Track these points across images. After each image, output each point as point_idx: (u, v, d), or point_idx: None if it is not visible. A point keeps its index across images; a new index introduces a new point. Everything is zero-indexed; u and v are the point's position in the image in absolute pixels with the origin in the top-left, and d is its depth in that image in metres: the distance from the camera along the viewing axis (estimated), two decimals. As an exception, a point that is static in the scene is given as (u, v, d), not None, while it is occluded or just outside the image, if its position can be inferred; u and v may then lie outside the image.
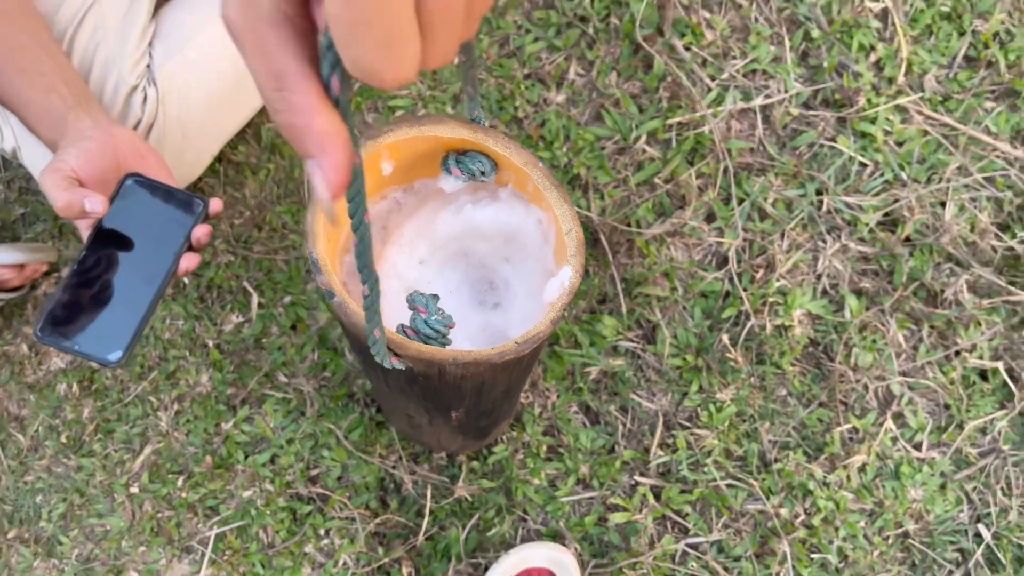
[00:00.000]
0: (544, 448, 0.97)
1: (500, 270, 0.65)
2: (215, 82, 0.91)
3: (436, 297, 0.55)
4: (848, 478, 0.96)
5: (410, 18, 0.25)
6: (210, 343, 0.99)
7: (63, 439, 0.98)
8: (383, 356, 0.50)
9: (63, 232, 1.03)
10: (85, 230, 0.72)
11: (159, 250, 0.72)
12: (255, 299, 1.00)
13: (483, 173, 0.58)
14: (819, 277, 1.01)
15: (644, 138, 1.03)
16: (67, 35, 0.85)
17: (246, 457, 0.97)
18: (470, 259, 0.66)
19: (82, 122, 0.73)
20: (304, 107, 0.27)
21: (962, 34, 1.07)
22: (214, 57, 0.91)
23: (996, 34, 1.07)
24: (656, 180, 1.02)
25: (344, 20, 0.24)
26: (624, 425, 0.98)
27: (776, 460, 0.96)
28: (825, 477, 0.96)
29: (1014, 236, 1.01)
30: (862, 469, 0.96)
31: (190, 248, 0.73)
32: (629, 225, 1.01)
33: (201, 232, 0.72)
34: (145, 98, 0.86)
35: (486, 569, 0.92)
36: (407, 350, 0.51)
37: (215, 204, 0.74)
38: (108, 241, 0.72)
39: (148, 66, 0.87)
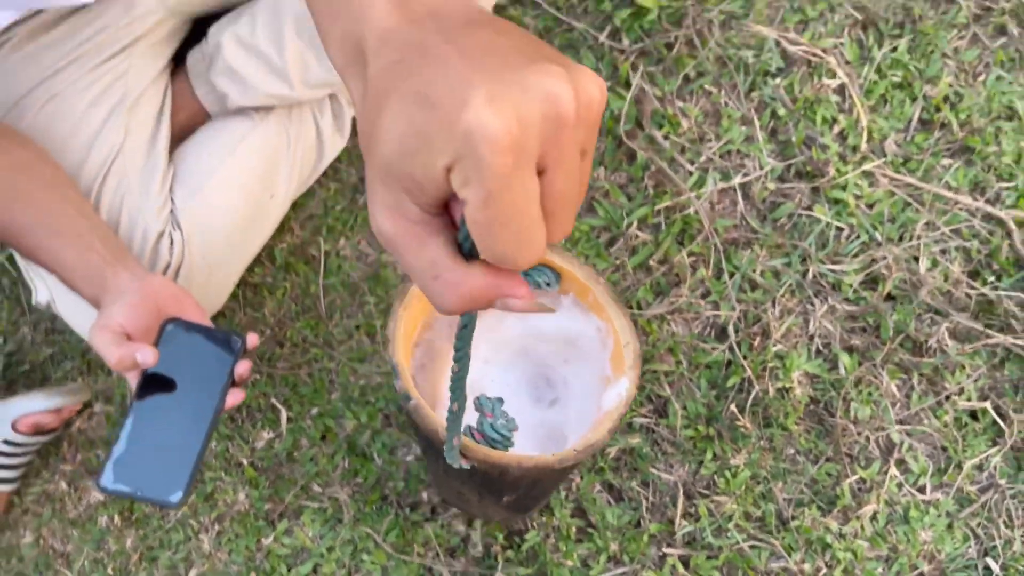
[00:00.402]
0: (574, 530, 1.01)
1: (559, 369, 0.71)
2: (234, 217, 0.96)
3: (501, 400, 0.60)
4: (862, 528, 1.02)
5: (539, 212, 0.29)
6: (244, 461, 1.03)
7: (109, 571, 1.01)
8: (454, 459, 0.55)
9: (91, 368, 1.07)
10: (133, 378, 0.76)
11: (205, 389, 0.77)
12: (283, 414, 1.04)
13: (548, 284, 0.65)
14: (812, 338, 1.07)
15: (635, 224, 1.10)
16: (93, 191, 0.90)
17: (289, 570, 1.00)
18: (530, 358, 0.72)
19: (120, 276, 0.78)
20: (462, 279, 0.31)
21: (914, 100, 1.16)
22: (231, 193, 0.96)
23: (946, 97, 1.16)
24: (651, 263, 1.09)
25: (483, 223, 0.28)
26: (647, 499, 1.03)
27: (793, 517, 1.02)
28: (840, 529, 1.01)
29: (985, 283, 1.09)
30: (873, 517, 1.02)
31: (233, 383, 0.77)
32: (631, 307, 1.07)
33: (243, 368, 0.77)
34: (172, 242, 0.91)
35: (533, 654, 0.96)
36: (475, 454, 0.57)
37: (252, 339, 0.79)
38: (156, 386, 0.76)
39: (171, 211, 0.93)
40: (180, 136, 1.00)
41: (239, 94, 0.99)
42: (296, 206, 1.10)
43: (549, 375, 0.73)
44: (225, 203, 0.96)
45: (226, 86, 0.99)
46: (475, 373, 0.71)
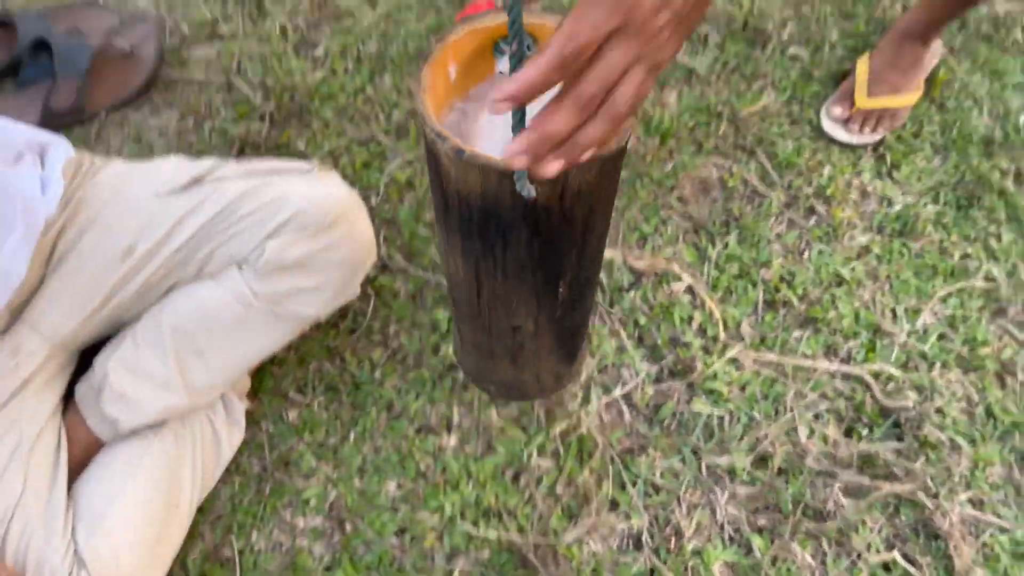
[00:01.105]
0: None
1: None
2: (141, 539, 0.96)
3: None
4: None
5: None
6: None
7: None
8: (523, 182, 0.59)
9: None
10: None
11: None
12: None
13: (528, 47, 0.71)
14: (722, 527, 1.12)
15: (535, 454, 1.15)
16: (-3, 544, 0.89)
17: None
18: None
19: None
20: None
21: (755, 285, 1.29)
22: (135, 516, 0.97)
23: (781, 277, 1.30)
24: (558, 489, 1.13)
25: None
26: None
27: None
28: None
29: (860, 437, 1.18)
30: None
31: None
32: (546, 535, 1.11)
33: None
34: (80, 582, 0.90)
35: None
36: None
37: None
38: None
39: (75, 550, 0.92)
40: (77, 470, 1.02)
41: (130, 417, 1.02)
42: (202, 510, 1.10)
43: None
44: (129, 529, 0.96)
45: (117, 412, 1.01)
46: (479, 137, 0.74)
